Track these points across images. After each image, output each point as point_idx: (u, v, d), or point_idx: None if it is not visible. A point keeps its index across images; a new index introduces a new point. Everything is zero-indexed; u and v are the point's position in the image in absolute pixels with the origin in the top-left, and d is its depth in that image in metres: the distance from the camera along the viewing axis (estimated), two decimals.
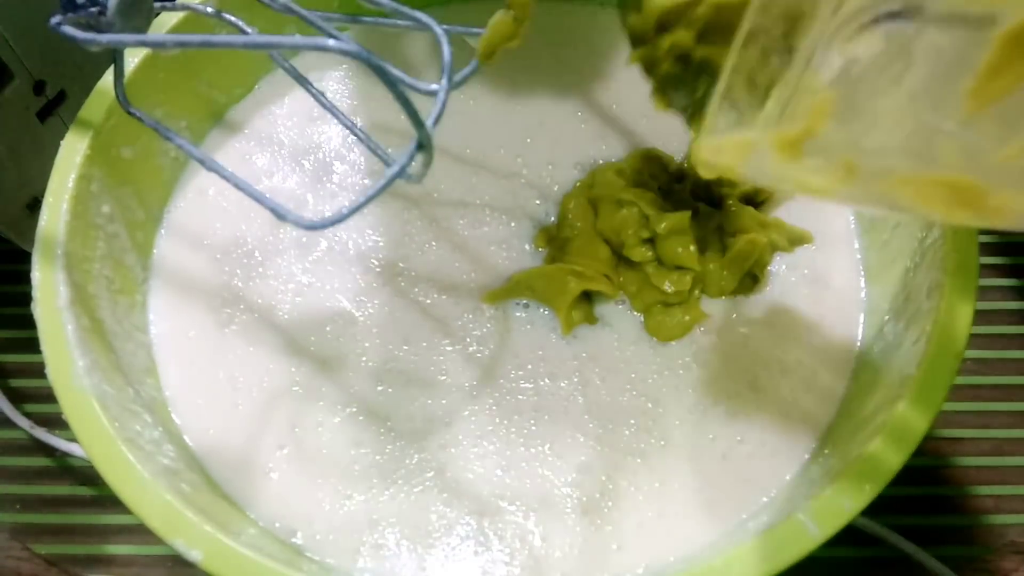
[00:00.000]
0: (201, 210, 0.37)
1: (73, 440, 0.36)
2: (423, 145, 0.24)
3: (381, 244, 0.36)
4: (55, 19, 0.25)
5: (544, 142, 0.38)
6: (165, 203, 0.37)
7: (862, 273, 0.34)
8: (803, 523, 0.24)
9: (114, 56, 0.30)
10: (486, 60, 0.30)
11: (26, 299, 0.28)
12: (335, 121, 0.32)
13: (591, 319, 0.34)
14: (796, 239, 0.35)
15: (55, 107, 0.39)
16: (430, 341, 0.33)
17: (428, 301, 0.34)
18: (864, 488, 0.25)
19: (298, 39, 0.22)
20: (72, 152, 0.31)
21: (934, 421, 0.25)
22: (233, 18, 0.34)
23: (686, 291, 0.33)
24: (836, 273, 0.35)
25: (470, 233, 0.36)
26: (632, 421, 0.31)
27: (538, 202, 0.37)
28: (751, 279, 0.34)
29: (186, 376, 0.33)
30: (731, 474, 0.30)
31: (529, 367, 0.32)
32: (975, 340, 0.39)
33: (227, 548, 0.24)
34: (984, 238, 0.29)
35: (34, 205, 0.39)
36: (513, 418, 0.31)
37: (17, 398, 0.40)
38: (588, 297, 0.34)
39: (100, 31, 0.26)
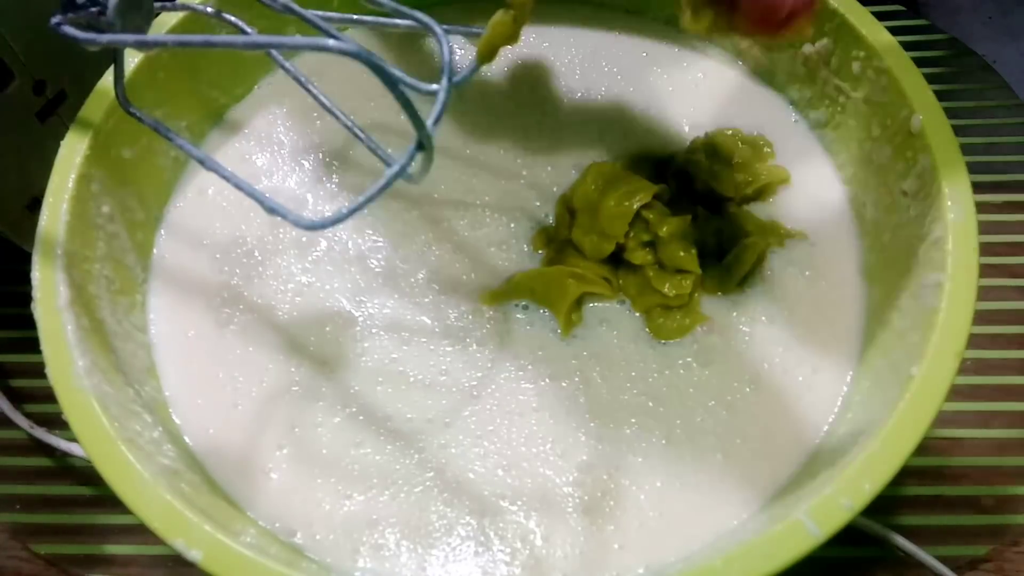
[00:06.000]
0: (201, 210, 0.37)
1: (73, 440, 0.36)
2: (423, 145, 0.24)
3: (381, 244, 0.36)
4: (55, 19, 0.25)
5: (544, 142, 0.38)
6: (165, 203, 0.37)
7: (862, 273, 0.34)
8: (803, 523, 0.24)
9: (114, 56, 0.30)
10: (486, 60, 0.30)
11: (26, 299, 0.28)
12: (335, 121, 0.32)
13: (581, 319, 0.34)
14: (792, 238, 0.35)
15: (55, 107, 0.39)
16: (430, 341, 0.33)
17: (428, 301, 0.34)
18: (864, 488, 0.24)
19: (298, 39, 0.22)
20: (72, 152, 0.32)
21: (934, 421, 0.25)
22: (233, 18, 0.34)
23: (687, 294, 0.33)
24: (836, 273, 0.35)
25: (470, 234, 0.36)
26: (633, 420, 0.31)
27: (538, 203, 0.37)
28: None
29: (186, 376, 0.33)
30: (732, 473, 0.30)
31: (529, 367, 0.32)
32: (975, 340, 0.39)
33: (227, 548, 0.24)
34: (984, 238, 0.29)
35: (34, 205, 0.39)
36: (514, 418, 0.31)
37: (17, 398, 0.40)
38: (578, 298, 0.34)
39: (100, 31, 0.26)
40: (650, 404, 0.32)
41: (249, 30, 0.34)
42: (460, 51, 0.42)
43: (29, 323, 0.28)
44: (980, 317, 0.27)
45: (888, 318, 0.31)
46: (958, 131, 0.31)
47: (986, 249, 0.29)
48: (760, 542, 0.24)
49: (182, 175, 0.38)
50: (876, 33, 0.34)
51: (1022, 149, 0.48)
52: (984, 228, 0.29)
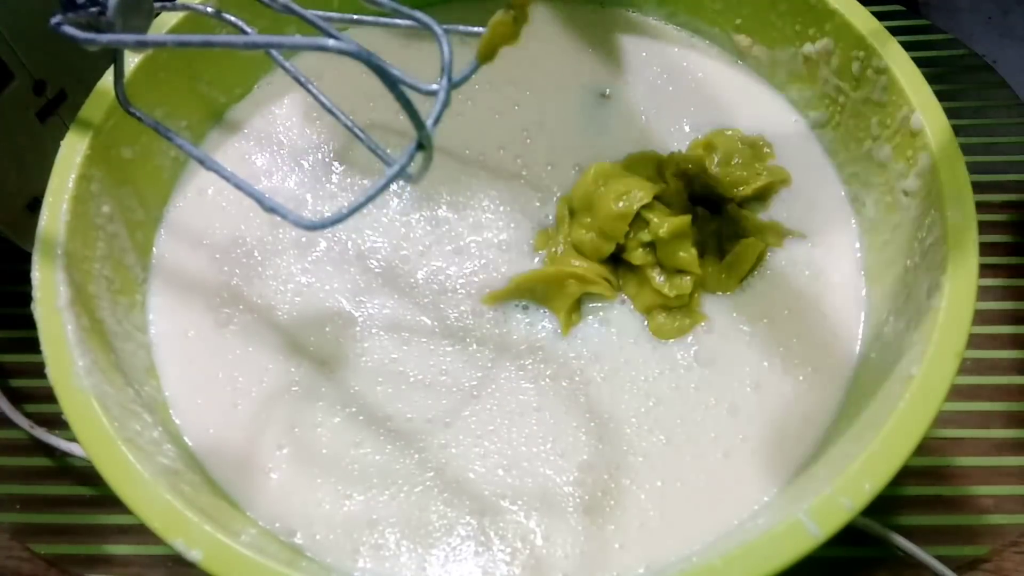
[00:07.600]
0: (201, 210, 0.37)
1: (73, 440, 0.36)
2: (423, 145, 0.24)
3: (380, 244, 0.36)
4: (55, 19, 0.25)
5: (544, 142, 0.38)
6: (165, 203, 0.37)
7: (862, 273, 0.34)
8: (803, 523, 0.24)
9: (114, 56, 0.30)
10: (486, 60, 0.30)
11: (26, 299, 0.28)
12: (335, 121, 0.32)
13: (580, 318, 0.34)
14: (792, 237, 0.35)
15: (55, 107, 0.39)
16: (430, 341, 0.33)
17: (428, 301, 0.34)
18: (864, 488, 0.24)
19: (298, 39, 0.22)
20: (72, 152, 0.32)
21: (934, 421, 0.25)
22: (233, 18, 0.34)
23: (687, 294, 0.33)
24: (836, 273, 0.35)
25: (469, 234, 0.36)
26: (634, 420, 0.31)
27: (538, 204, 0.37)
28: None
29: (186, 376, 0.33)
30: (732, 473, 0.30)
31: (530, 367, 0.32)
32: (975, 340, 0.39)
33: (227, 548, 0.24)
34: (984, 238, 0.29)
35: (34, 205, 0.39)
36: (514, 418, 0.31)
37: (17, 398, 0.40)
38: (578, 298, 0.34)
39: (100, 31, 0.26)
40: (650, 404, 0.32)
41: (249, 30, 0.34)
42: (460, 51, 0.42)
43: (29, 323, 0.28)
44: (980, 317, 0.27)
45: (888, 318, 0.31)
46: (958, 131, 0.31)
47: (986, 249, 0.29)
48: (760, 542, 0.24)
49: (182, 175, 0.38)
50: (876, 33, 0.34)
51: (1022, 149, 0.48)
52: (984, 228, 0.29)
